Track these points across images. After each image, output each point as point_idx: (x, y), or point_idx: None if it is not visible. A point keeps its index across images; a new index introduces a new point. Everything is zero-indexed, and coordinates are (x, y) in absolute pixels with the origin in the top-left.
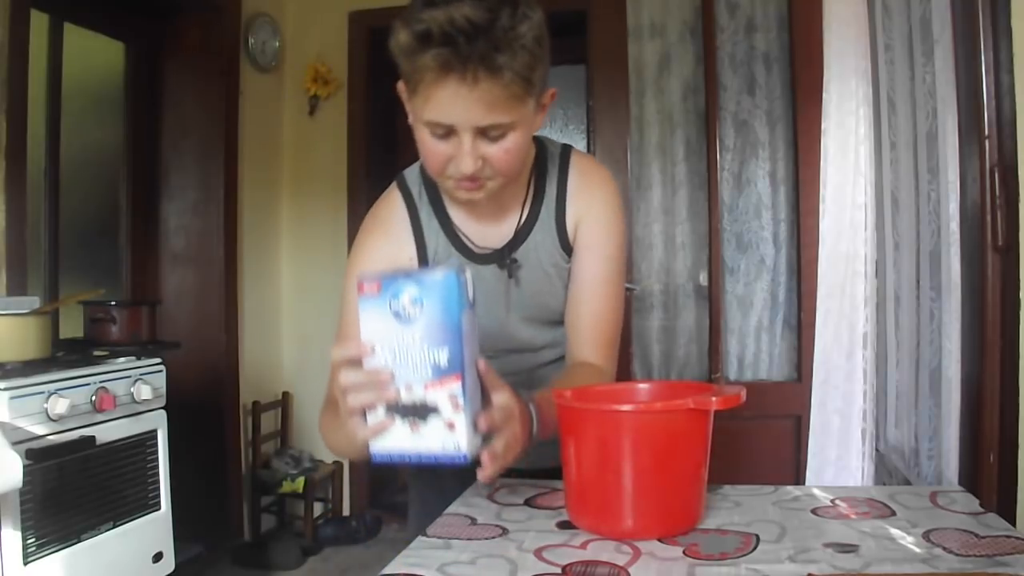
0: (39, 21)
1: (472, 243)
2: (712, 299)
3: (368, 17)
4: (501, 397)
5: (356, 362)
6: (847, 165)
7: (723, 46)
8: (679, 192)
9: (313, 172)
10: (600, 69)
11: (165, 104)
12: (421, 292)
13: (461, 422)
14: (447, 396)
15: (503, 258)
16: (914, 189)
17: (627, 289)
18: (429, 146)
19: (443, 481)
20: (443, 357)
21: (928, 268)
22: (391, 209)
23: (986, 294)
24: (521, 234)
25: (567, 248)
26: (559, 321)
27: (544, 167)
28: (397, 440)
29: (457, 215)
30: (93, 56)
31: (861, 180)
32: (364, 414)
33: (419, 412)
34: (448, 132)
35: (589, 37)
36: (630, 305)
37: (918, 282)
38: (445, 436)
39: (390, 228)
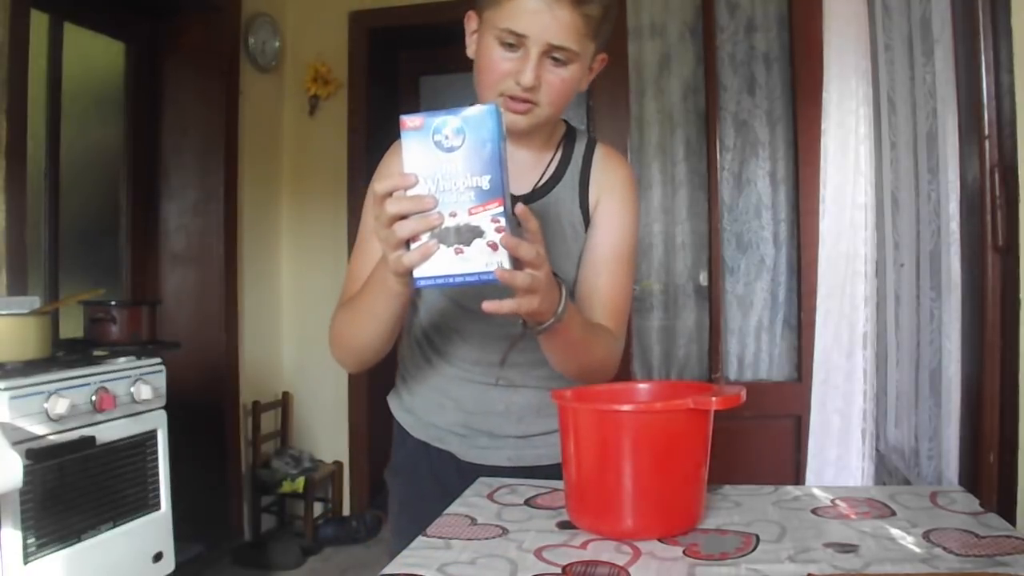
0: (39, 21)
1: None
2: (712, 299)
3: (368, 17)
4: (536, 245)
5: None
6: (847, 165)
7: (723, 46)
8: (679, 192)
9: (313, 172)
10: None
11: (165, 104)
12: (463, 123)
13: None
14: (490, 218)
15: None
16: (914, 189)
17: None
18: (493, 57)
19: (422, 484)
20: (485, 182)
21: (928, 268)
22: None
23: (986, 294)
24: (543, 189)
25: (586, 215)
26: None
27: (573, 139)
28: (441, 265)
29: None
30: (93, 56)
31: (861, 180)
32: (407, 246)
33: (463, 236)
34: (517, 44)
35: None
36: (630, 305)
37: (918, 282)
38: (489, 256)
39: None
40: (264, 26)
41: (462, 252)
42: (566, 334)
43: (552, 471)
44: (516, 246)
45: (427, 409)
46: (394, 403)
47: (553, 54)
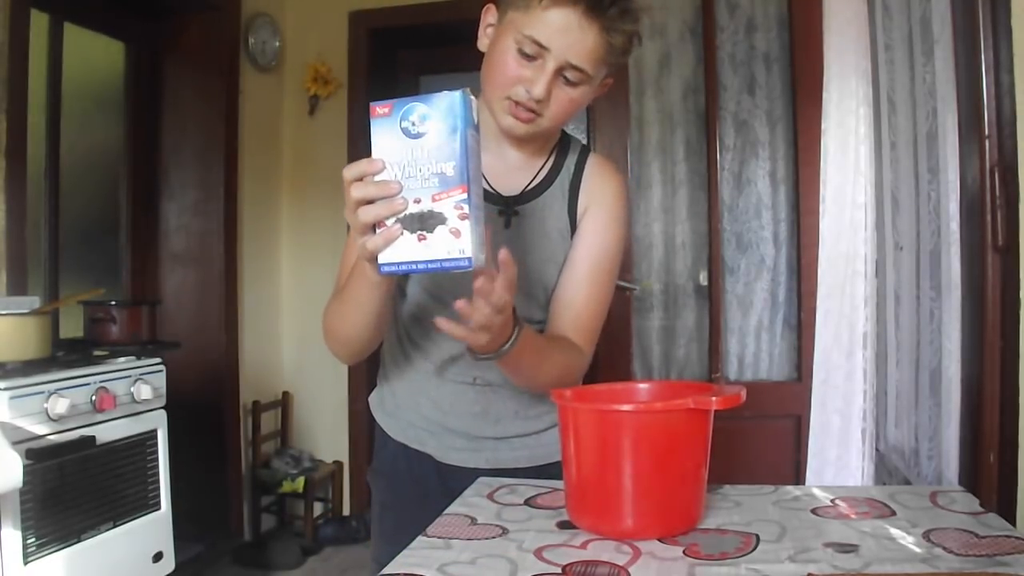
0: (39, 21)
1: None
2: (712, 299)
3: (368, 17)
4: (508, 293)
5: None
6: (847, 165)
7: (723, 46)
8: (679, 192)
9: (313, 172)
10: None
11: (165, 104)
12: (430, 109)
13: (466, 229)
14: (453, 205)
15: (507, 206)
16: (914, 189)
17: (627, 289)
18: (508, 59)
19: (403, 486)
20: (450, 168)
21: (928, 268)
22: None
23: (986, 294)
24: (532, 192)
25: (573, 222)
26: (541, 304)
27: (567, 148)
28: (405, 251)
29: (483, 159)
30: (93, 56)
31: (861, 180)
32: (374, 230)
33: (426, 223)
34: (535, 56)
35: None
36: (630, 305)
37: (918, 282)
38: (451, 243)
39: None
40: (264, 26)
41: (425, 239)
42: (511, 364)
43: (529, 475)
44: (489, 293)
45: (406, 408)
46: (375, 404)
47: (567, 73)
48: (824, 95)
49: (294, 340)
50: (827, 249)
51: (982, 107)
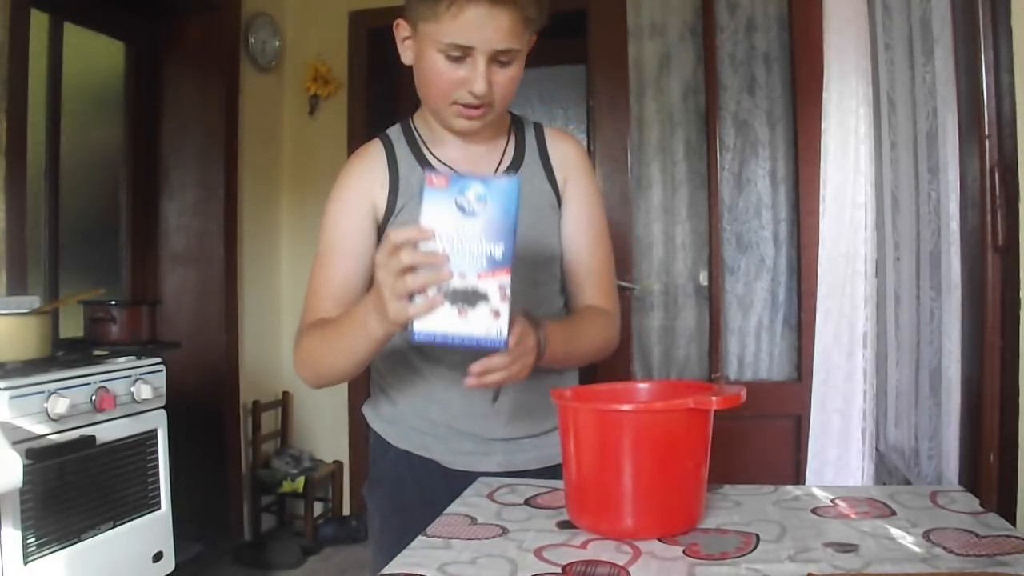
0: (39, 21)
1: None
2: (712, 299)
3: (368, 17)
4: (525, 336)
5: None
6: (847, 165)
7: (723, 46)
8: (679, 192)
9: (313, 172)
10: (600, 69)
11: (165, 104)
12: (487, 191)
13: (505, 311)
14: (497, 286)
15: None
16: (914, 189)
17: (627, 289)
18: (441, 70)
19: (406, 495)
20: (499, 251)
21: (928, 268)
22: (371, 148)
23: (986, 294)
24: (507, 173)
25: (556, 192)
26: (544, 279)
27: (520, 124)
28: (443, 323)
29: (446, 155)
30: (93, 56)
31: (861, 180)
32: (411, 298)
33: (469, 298)
34: (463, 56)
35: (589, 37)
36: (630, 305)
37: (918, 282)
38: (490, 323)
39: (370, 161)
40: (264, 26)
41: (465, 313)
42: (551, 357)
43: (540, 475)
44: (510, 361)
45: (410, 415)
46: (370, 414)
47: (499, 58)
48: (824, 95)
49: (294, 340)
50: (827, 249)
51: (982, 107)
